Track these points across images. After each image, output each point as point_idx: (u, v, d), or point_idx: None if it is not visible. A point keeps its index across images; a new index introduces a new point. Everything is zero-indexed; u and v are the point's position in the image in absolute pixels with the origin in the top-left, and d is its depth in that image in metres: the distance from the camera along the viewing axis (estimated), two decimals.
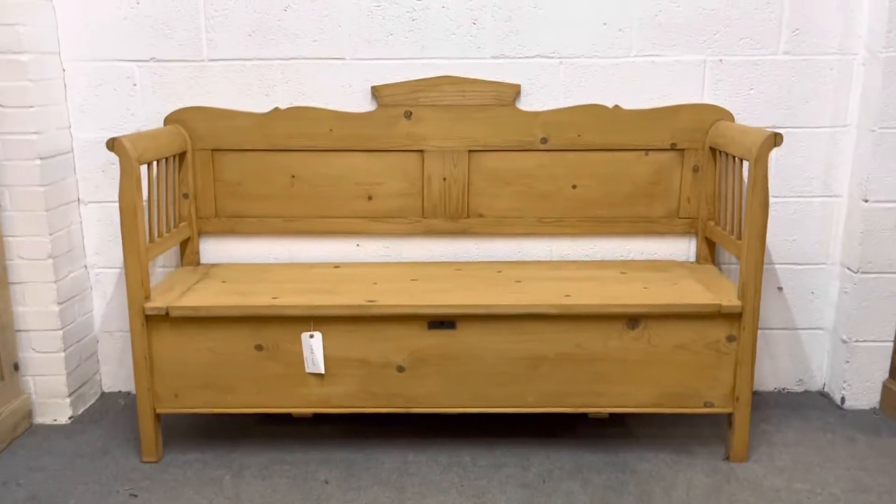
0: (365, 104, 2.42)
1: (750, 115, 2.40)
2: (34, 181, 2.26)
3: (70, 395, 2.42)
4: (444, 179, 2.44)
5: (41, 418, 2.43)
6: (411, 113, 2.40)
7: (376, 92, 2.39)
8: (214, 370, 2.12)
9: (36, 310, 2.34)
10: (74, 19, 2.36)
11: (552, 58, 2.38)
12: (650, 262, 2.47)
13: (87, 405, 2.54)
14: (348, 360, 2.11)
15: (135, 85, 2.41)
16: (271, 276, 2.33)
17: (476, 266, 2.44)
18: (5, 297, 2.28)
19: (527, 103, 2.41)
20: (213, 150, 2.42)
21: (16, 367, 2.33)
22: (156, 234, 2.23)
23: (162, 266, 2.54)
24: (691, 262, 2.48)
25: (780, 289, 2.53)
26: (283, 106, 2.42)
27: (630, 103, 2.40)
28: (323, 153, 2.43)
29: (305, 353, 2.09)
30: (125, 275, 2.05)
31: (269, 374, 2.12)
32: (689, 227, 2.46)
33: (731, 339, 2.07)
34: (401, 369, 2.11)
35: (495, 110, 2.39)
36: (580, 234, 2.49)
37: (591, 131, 2.40)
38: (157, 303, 2.07)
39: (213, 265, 2.47)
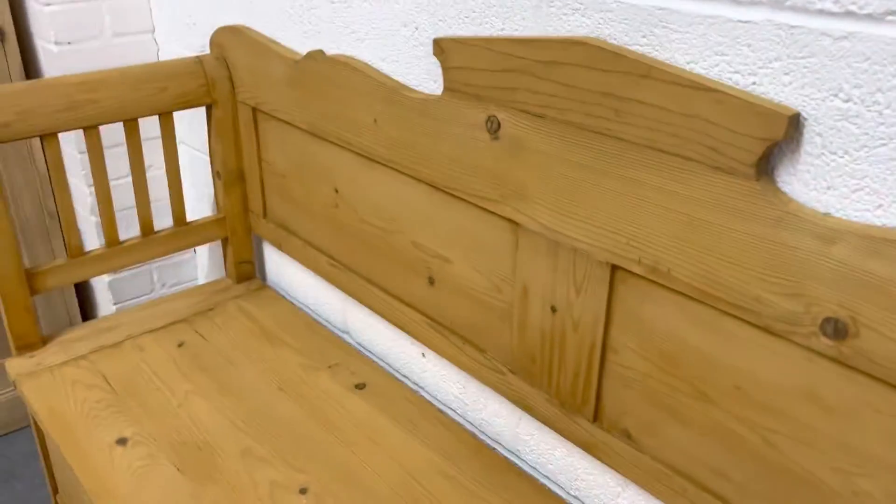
0: (430, 79, 1.01)
1: None
2: None
3: None
4: (554, 311, 0.93)
5: None
6: (499, 124, 0.91)
7: (441, 54, 0.95)
8: None
9: None
10: None
11: None
12: None
13: None
14: None
15: None
16: (259, 374, 1.28)
17: None
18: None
19: (814, 183, 0.66)
20: (254, 107, 1.37)
21: None
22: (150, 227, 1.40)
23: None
24: None
25: None
26: (328, 49, 1.18)
27: None
28: (368, 163, 1.15)
29: None
30: None
31: None
32: None
33: None
34: None
35: (694, 178, 0.73)
36: None
37: None
38: (20, 364, 1.29)
39: (260, 289, 1.52)
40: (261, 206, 1.46)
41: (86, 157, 1.48)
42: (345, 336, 1.41)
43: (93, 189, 1.55)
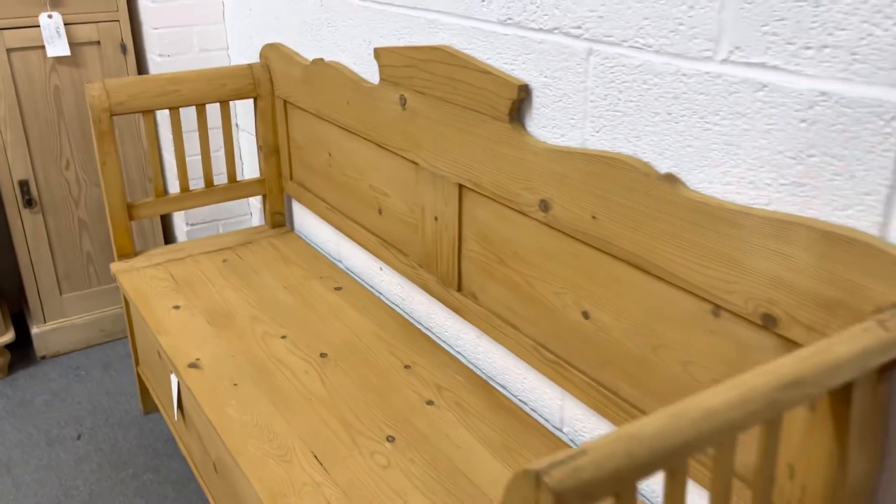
0: (375, 74, 1.57)
1: None
2: None
3: None
4: (436, 219, 1.46)
5: None
6: (406, 100, 1.45)
7: (377, 58, 1.51)
8: None
9: None
10: None
11: (576, 36, 1.07)
12: None
13: None
14: None
15: (251, 10, 2.09)
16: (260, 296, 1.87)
17: (458, 392, 1.45)
18: None
19: (540, 125, 1.18)
20: (284, 100, 1.97)
21: None
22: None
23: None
24: None
25: None
26: (326, 57, 1.76)
27: (704, 178, 0.93)
28: (347, 134, 1.72)
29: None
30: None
31: None
32: None
33: None
34: None
35: (486, 126, 1.25)
36: (592, 401, 1.20)
37: (616, 217, 1.05)
38: (120, 265, 1.91)
39: (287, 233, 2.11)
40: (289, 171, 2.06)
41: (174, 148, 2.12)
42: (338, 263, 1.97)
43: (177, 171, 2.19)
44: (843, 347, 0.67)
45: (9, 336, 2.28)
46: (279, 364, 1.49)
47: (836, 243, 0.78)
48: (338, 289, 1.80)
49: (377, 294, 1.80)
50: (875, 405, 0.77)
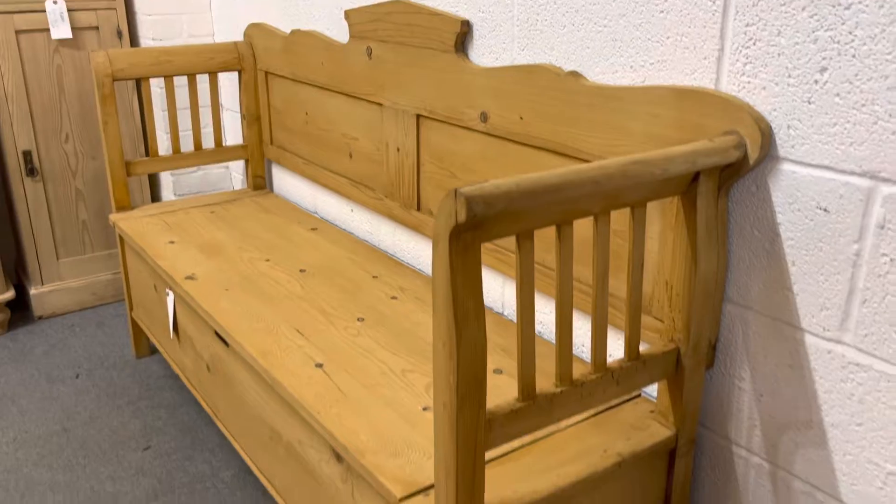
0: (346, 34, 1.85)
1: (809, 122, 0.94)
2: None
3: None
4: (398, 150, 1.73)
5: None
6: (371, 50, 1.73)
7: (347, 18, 1.79)
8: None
9: None
10: None
11: None
12: None
13: None
14: None
15: None
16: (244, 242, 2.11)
17: (414, 306, 1.71)
18: None
19: (480, 53, 1.46)
20: (266, 72, 2.24)
21: None
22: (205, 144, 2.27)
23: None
24: None
25: None
26: (302, 27, 2.04)
27: (599, 70, 1.21)
28: (322, 91, 1.99)
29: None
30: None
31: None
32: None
33: None
34: None
35: (437, 59, 1.53)
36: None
37: (537, 114, 1.32)
38: (119, 215, 2.15)
39: (267, 194, 2.36)
40: (269, 137, 2.32)
41: (166, 114, 2.37)
42: (315, 213, 2.23)
43: (169, 136, 2.43)
44: (678, 148, 0.94)
45: (9, 294, 2.49)
46: (264, 276, 1.74)
47: (687, 97, 1.06)
48: (314, 229, 2.05)
49: (349, 232, 2.06)
50: (716, 214, 1.05)
